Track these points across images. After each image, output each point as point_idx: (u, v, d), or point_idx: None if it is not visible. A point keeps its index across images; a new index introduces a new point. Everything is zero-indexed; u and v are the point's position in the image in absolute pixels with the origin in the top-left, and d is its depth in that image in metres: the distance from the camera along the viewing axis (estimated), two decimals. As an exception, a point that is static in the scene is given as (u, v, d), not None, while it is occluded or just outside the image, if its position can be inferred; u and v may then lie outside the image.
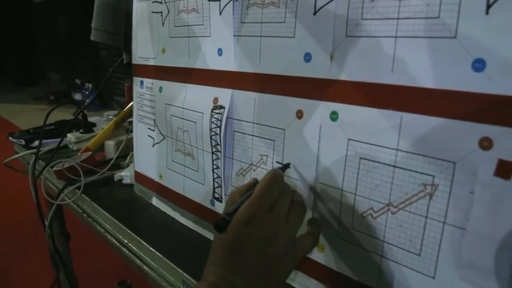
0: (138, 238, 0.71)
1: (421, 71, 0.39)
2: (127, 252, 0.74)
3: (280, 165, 0.52)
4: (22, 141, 1.23)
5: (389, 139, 0.42)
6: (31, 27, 9.17)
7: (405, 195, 0.42)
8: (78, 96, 7.03)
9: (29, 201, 1.08)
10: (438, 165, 0.39)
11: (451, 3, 0.36)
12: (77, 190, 0.91)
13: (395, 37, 0.40)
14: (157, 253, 0.66)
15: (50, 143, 1.17)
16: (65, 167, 0.94)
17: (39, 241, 1.26)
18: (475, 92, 0.36)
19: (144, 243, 0.69)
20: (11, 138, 1.26)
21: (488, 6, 0.34)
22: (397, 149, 0.42)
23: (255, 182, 0.47)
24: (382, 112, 0.42)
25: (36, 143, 1.18)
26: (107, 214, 0.80)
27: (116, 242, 0.77)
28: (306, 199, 0.51)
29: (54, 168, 0.96)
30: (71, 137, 1.19)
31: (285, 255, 0.43)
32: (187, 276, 0.59)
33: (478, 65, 0.35)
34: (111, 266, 1.80)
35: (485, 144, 0.35)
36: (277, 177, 0.46)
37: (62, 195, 0.92)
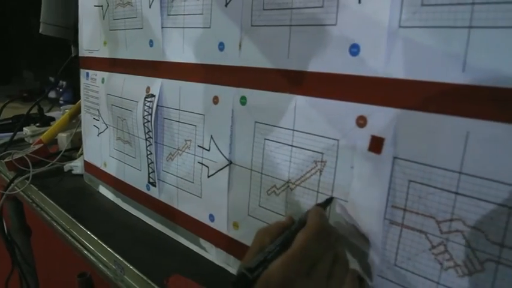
0: (78, 224, 0.73)
1: (310, 56, 0.43)
2: (70, 237, 0.76)
3: (323, 202, 0.43)
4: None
5: (287, 120, 0.46)
6: (2, 25, 8.99)
7: (301, 172, 0.45)
8: (52, 94, 6.96)
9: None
10: (325, 143, 0.43)
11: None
12: (26, 180, 0.93)
13: (290, 26, 0.44)
14: (93, 236, 0.68)
15: (5, 136, 1.18)
16: (14, 158, 0.95)
17: None
18: (352, 74, 0.40)
19: (83, 228, 0.71)
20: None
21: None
22: (293, 130, 0.45)
23: (289, 223, 0.40)
24: (281, 96, 0.46)
25: (-8, 136, 1.19)
26: (52, 202, 0.82)
27: (60, 229, 0.79)
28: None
29: (5, 160, 0.98)
30: (27, 130, 1.20)
31: None
32: (118, 256, 0.62)
33: (354, 49, 0.39)
34: (72, 260, 1.81)
35: (361, 122, 0.40)
36: (325, 229, 0.37)
37: (12, 185, 0.94)
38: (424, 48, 0.34)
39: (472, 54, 0.32)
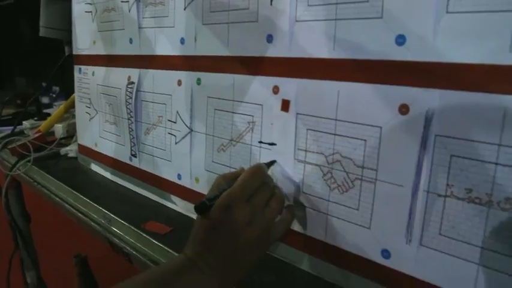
0: (74, 191, 0.88)
1: (243, 45, 0.59)
2: (67, 205, 0.91)
3: (266, 162, 0.56)
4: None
5: (230, 94, 0.62)
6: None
7: (239, 131, 0.61)
8: (45, 100, 7.08)
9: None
10: (254, 107, 0.59)
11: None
12: (27, 163, 1.08)
13: (228, 23, 0.60)
14: (87, 199, 0.84)
15: (7, 130, 1.33)
16: (17, 144, 1.11)
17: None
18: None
19: (77, 193, 0.87)
20: (-29, 127, 1.42)
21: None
22: (233, 100, 0.61)
23: (240, 172, 0.51)
24: (225, 76, 0.62)
25: (-4, 130, 1.34)
26: (51, 177, 0.98)
27: (58, 199, 0.94)
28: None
29: (9, 146, 1.13)
30: (26, 124, 1.36)
31: (258, 241, 0.47)
32: (106, 211, 0.78)
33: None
34: (69, 243, 1.97)
35: (275, 90, 0.56)
36: (259, 170, 0.51)
37: (15, 168, 1.09)
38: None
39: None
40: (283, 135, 0.56)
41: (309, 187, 0.54)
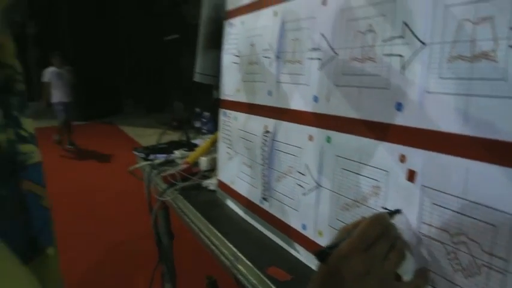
0: (209, 225, 0.97)
1: (373, 108, 0.60)
2: (202, 236, 1.01)
3: (390, 211, 0.56)
4: (142, 155, 1.59)
5: (357, 155, 0.63)
6: (161, 61, 10.38)
7: (363, 194, 0.62)
8: (197, 124, 7.80)
9: (142, 200, 1.43)
10: (380, 173, 0.59)
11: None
12: (175, 191, 1.21)
13: (359, 87, 0.62)
14: (219, 234, 0.91)
15: (162, 157, 1.52)
16: (168, 174, 1.26)
17: (149, 233, 1.60)
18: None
19: (212, 227, 0.95)
20: (134, 152, 1.64)
21: None
22: (359, 162, 0.62)
23: (361, 221, 0.51)
24: (356, 138, 0.64)
25: (152, 157, 1.54)
26: (192, 208, 1.09)
27: (196, 228, 1.04)
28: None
29: (162, 175, 1.29)
30: (177, 153, 1.52)
31: None
32: (235, 249, 0.84)
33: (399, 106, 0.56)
34: (204, 263, 2.13)
35: (402, 159, 0.55)
36: (380, 219, 0.50)
37: (165, 193, 1.23)
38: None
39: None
40: (407, 205, 0.55)
41: (431, 263, 0.52)
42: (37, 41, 9.63)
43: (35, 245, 0.57)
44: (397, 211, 0.56)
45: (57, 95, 6.03)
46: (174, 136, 1.64)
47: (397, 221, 0.55)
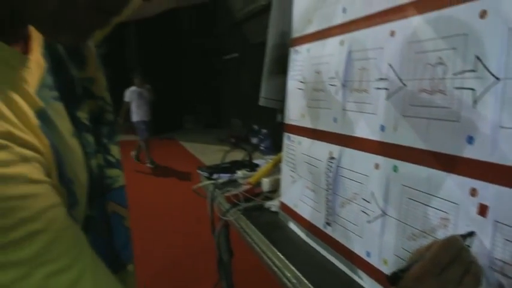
0: (272, 247, 0.99)
1: (442, 140, 0.60)
2: (265, 257, 1.03)
3: (463, 234, 0.54)
4: (206, 174, 1.65)
5: (425, 186, 0.63)
6: (220, 79, 10.66)
7: (431, 225, 0.62)
8: (254, 140, 7.88)
9: (205, 218, 1.48)
10: (449, 205, 0.59)
11: None
12: (238, 211, 1.25)
13: (428, 118, 0.63)
14: (281, 256, 0.93)
15: (225, 177, 1.57)
16: (231, 194, 1.30)
17: (211, 249, 1.65)
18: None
19: (275, 249, 0.97)
20: (198, 171, 1.71)
21: None
22: (427, 193, 0.63)
23: (434, 244, 0.51)
24: (423, 168, 0.64)
25: (216, 176, 1.59)
26: (255, 229, 1.12)
27: (258, 249, 1.07)
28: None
29: (225, 195, 1.33)
30: (239, 173, 1.57)
31: None
32: (297, 272, 0.85)
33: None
34: (262, 281, 2.15)
35: (473, 193, 0.55)
36: (453, 242, 0.49)
37: (228, 214, 1.27)
38: None
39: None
40: (477, 239, 0.54)
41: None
42: (107, 61, 10.22)
43: (118, 262, 0.62)
44: (471, 234, 0.55)
45: (139, 114, 6.21)
46: (233, 154, 1.69)
47: (470, 244, 0.54)
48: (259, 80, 1.41)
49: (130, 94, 6.19)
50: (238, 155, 1.83)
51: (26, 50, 0.47)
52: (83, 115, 0.56)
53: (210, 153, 7.13)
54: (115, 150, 0.62)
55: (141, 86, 6.29)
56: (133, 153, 6.61)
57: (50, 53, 0.53)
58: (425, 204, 0.63)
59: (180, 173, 6.19)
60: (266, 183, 1.37)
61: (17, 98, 0.40)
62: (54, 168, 0.42)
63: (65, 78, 0.54)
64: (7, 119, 0.37)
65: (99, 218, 0.59)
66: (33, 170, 0.37)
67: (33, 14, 0.41)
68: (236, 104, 9.89)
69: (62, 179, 0.43)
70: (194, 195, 1.61)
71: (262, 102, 1.36)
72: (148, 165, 6.46)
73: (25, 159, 0.36)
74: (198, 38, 11.28)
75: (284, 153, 1.15)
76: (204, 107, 11.73)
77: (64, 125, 0.49)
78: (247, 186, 1.37)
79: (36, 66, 0.47)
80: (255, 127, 8.23)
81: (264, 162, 1.68)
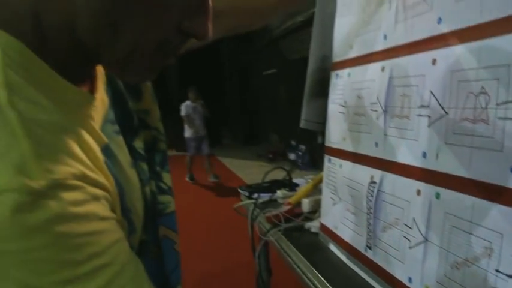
0: (313, 268, 1.01)
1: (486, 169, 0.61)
2: (305, 278, 1.04)
3: None
4: (246, 193, 1.68)
5: (468, 214, 0.64)
6: (258, 95, 10.75)
7: (475, 254, 0.62)
8: (292, 156, 7.88)
9: (245, 237, 1.51)
10: (493, 235, 0.59)
11: None
12: (278, 231, 1.27)
13: (471, 147, 0.63)
14: (323, 280, 0.95)
15: (265, 196, 1.59)
16: (272, 214, 1.32)
17: (250, 267, 1.67)
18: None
19: (315, 271, 0.99)
20: (239, 190, 1.74)
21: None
22: (470, 222, 0.63)
23: None
24: (465, 196, 0.64)
25: (256, 195, 1.62)
26: (295, 250, 1.13)
27: (299, 271, 1.08)
28: None
29: (266, 215, 1.36)
30: (279, 193, 1.59)
31: None
32: (339, 296, 0.86)
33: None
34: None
35: (519, 223, 0.55)
36: None
37: (268, 234, 1.30)
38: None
39: None
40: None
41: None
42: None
43: (168, 284, 0.66)
44: None
45: (193, 129, 6.22)
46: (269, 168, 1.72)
47: None
48: (296, 96, 1.43)
49: (185, 108, 6.17)
50: (276, 172, 1.86)
51: (92, 89, 0.51)
52: (139, 145, 0.60)
53: (248, 169, 7.17)
54: (167, 177, 0.66)
55: (195, 101, 6.25)
56: (187, 176, 6.60)
57: (111, 88, 0.58)
58: (469, 233, 0.64)
59: (219, 189, 6.26)
60: (306, 204, 1.39)
61: (86, 136, 0.44)
62: (118, 203, 0.46)
63: (123, 111, 0.58)
64: (81, 160, 0.41)
65: (152, 242, 0.63)
66: (102, 208, 0.41)
67: (104, 58, 0.45)
68: (274, 119, 9.95)
69: (123, 210, 0.47)
70: (234, 212, 1.65)
71: (303, 124, 1.39)
72: (213, 179, 6.46)
73: (96, 198, 0.40)
74: (236, 54, 11.48)
75: (325, 176, 1.17)
76: (242, 122, 11.85)
77: (124, 157, 0.53)
78: (288, 207, 1.38)
79: (101, 103, 0.51)
80: (293, 143, 8.25)
81: (303, 182, 1.70)
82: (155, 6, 0.42)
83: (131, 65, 0.44)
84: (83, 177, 0.40)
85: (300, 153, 7.15)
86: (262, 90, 10.75)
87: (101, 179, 0.42)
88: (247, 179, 6.16)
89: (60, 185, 0.37)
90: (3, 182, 0.35)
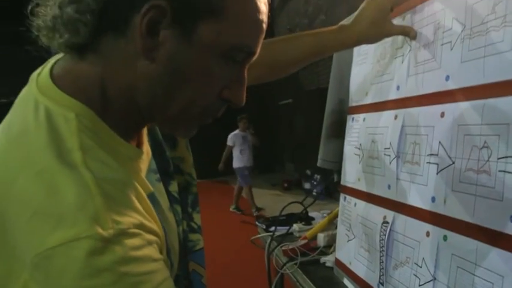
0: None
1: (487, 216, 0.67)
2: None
3: None
4: (263, 226, 1.75)
5: (471, 255, 0.70)
6: (273, 124, 10.85)
7: (479, 293, 0.68)
8: (307, 186, 7.87)
9: (261, 267, 1.56)
10: (495, 277, 0.65)
11: None
12: (294, 265, 1.33)
13: (475, 195, 0.70)
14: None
15: (282, 229, 1.65)
16: (289, 248, 1.38)
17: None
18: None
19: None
20: (257, 223, 1.81)
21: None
22: (475, 264, 0.69)
23: None
24: (471, 240, 0.71)
25: (273, 228, 1.68)
26: (311, 284, 1.19)
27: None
28: None
29: (282, 248, 1.42)
30: (295, 226, 1.65)
31: None
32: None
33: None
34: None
35: (518, 268, 0.61)
36: None
37: (285, 267, 1.35)
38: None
39: None
40: None
41: None
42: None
43: None
44: None
45: (242, 160, 5.96)
46: (285, 198, 1.78)
47: None
48: (311, 125, 1.50)
49: (233, 138, 5.96)
50: (289, 197, 1.91)
51: (138, 142, 0.60)
52: (173, 189, 0.68)
53: (263, 197, 7.20)
54: (197, 217, 0.74)
55: (244, 130, 6.06)
56: (232, 206, 6.30)
57: (151, 137, 0.66)
58: (473, 274, 0.69)
59: (234, 218, 6.27)
60: (322, 238, 1.45)
61: (139, 188, 0.52)
62: (164, 246, 0.54)
63: (162, 159, 0.67)
64: (139, 211, 0.49)
65: (182, 276, 0.70)
66: (154, 251, 0.49)
67: (157, 117, 0.54)
68: (289, 148, 10.02)
69: (166, 251, 0.55)
70: (250, 244, 1.71)
71: (320, 163, 1.46)
72: (255, 213, 5.96)
73: (150, 243, 0.48)
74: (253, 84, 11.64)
75: (340, 213, 1.23)
76: (257, 150, 11.95)
77: (164, 202, 0.61)
78: (304, 241, 1.44)
79: (146, 155, 0.60)
80: (308, 172, 8.27)
81: (319, 216, 1.76)
82: (205, 79, 0.51)
83: (180, 123, 0.53)
84: (141, 226, 0.48)
85: (315, 182, 7.15)
86: (279, 120, 10.88)
87: (153, 226, 0.50)
88: (261, 207, 6.07)
89: (124, 233, 0.45)
90: (81, 230, 0.43)
